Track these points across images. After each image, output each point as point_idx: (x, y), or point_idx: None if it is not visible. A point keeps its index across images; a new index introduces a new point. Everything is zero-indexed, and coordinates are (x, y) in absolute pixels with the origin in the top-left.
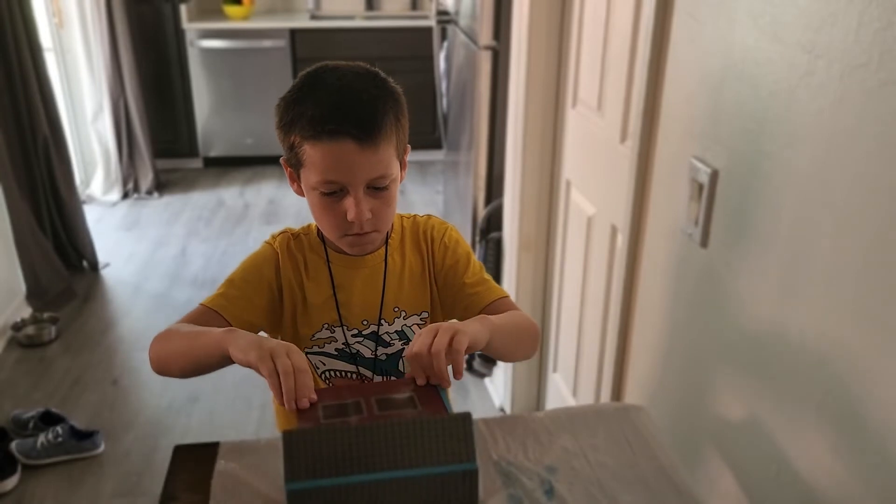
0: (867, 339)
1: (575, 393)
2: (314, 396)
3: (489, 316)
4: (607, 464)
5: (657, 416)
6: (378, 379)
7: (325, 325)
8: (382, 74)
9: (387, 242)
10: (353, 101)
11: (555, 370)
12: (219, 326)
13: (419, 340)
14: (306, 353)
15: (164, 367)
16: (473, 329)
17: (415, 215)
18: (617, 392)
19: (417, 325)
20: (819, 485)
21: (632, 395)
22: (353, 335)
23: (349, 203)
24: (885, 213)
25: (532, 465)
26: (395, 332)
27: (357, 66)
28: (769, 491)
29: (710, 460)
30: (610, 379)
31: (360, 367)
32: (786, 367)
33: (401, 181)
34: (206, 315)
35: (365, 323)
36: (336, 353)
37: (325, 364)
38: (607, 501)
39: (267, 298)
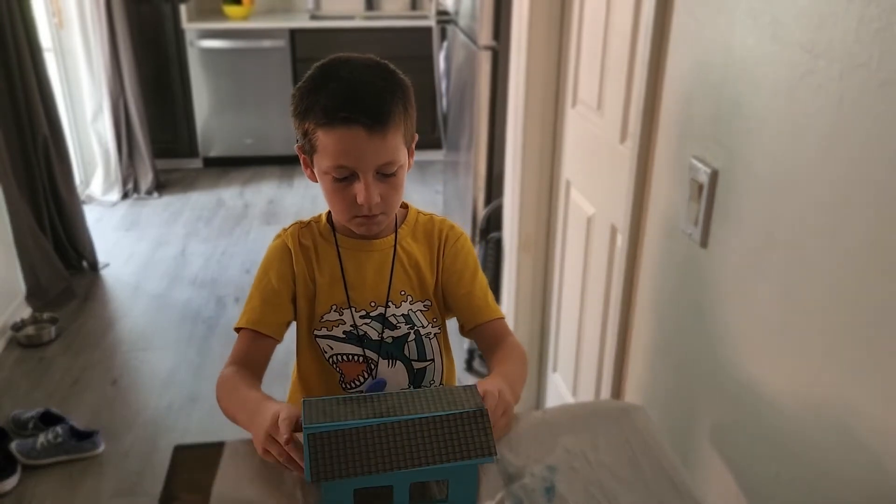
0: (866, 339)
1: (575, 393)
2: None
3: (509, 374)
4: (607, 464)
5: (657, 415)
6: (383, 363)
7: (334, 307)
8: (391, 66)
9: (396, 230)
10: (363, 91)
11: (554, 370)
12: (263, 344)
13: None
14: (315, 336)
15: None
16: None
17: (432, 214)
18: (617, 392)
19: (421, 311)
20: (819, 485)
21: (631, 395)
22: (360, 316)
23: (359, 187)
24: (885, 213)
25: (532, 464)
26: (402, 315)
27: (368, 58)
28: (769, 491)
29: (710, 460)
30: (609, 379)
31: (366, 350)
32: (786, 366)
33: (408, 168)
34: (248, 340)
35: (373, 304)
36: (344, 335)
37: (332, 349)
38: (607, 501)
39: (288, 292)
